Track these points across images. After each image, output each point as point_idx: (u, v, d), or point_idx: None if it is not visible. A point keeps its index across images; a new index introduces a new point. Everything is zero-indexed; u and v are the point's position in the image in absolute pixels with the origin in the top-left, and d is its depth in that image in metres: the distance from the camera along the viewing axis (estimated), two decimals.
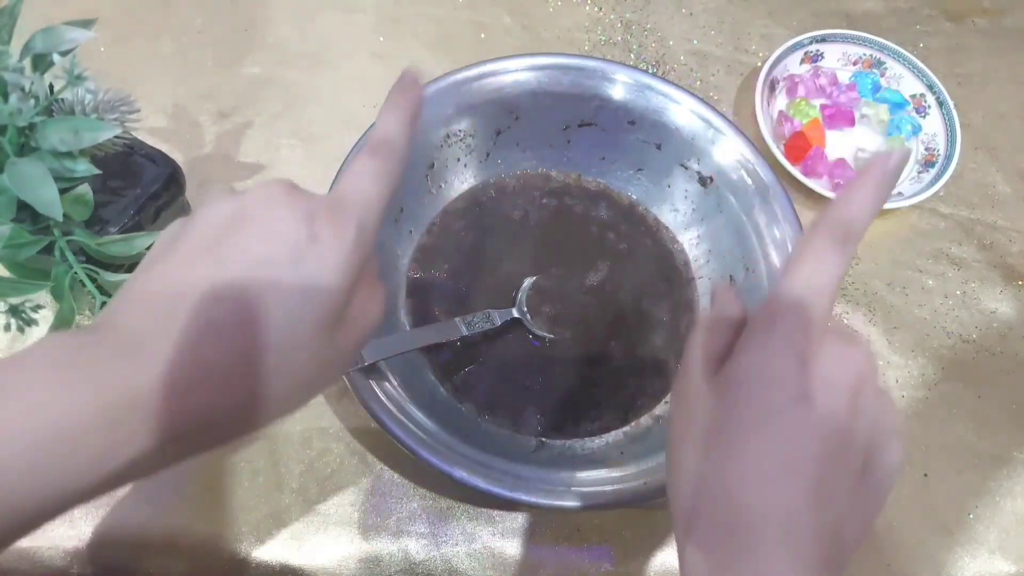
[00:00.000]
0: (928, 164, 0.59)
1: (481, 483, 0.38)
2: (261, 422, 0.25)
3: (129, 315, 0.23)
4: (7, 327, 0.37)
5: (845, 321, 0.54)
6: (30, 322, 0.37)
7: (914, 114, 0.62)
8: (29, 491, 0.20)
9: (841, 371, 0.26)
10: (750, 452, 0.25)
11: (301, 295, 0.24)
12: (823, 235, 0.26)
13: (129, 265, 0.41)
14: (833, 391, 0.25)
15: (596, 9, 0.66)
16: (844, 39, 0.63)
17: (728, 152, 0.50)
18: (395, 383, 0.42)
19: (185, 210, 0.46)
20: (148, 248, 0.39)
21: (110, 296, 0.39)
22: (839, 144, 0.61)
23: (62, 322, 0.39)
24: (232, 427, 0.24)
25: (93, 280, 0.38)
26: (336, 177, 0.43)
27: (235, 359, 0.23)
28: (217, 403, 0.23)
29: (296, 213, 0.25)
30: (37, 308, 0.38)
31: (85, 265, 0.38)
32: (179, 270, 0.24)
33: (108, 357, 0.22)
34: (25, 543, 0.34)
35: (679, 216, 0.53)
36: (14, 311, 0.37)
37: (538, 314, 0.49)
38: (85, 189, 0.35)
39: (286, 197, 0.25)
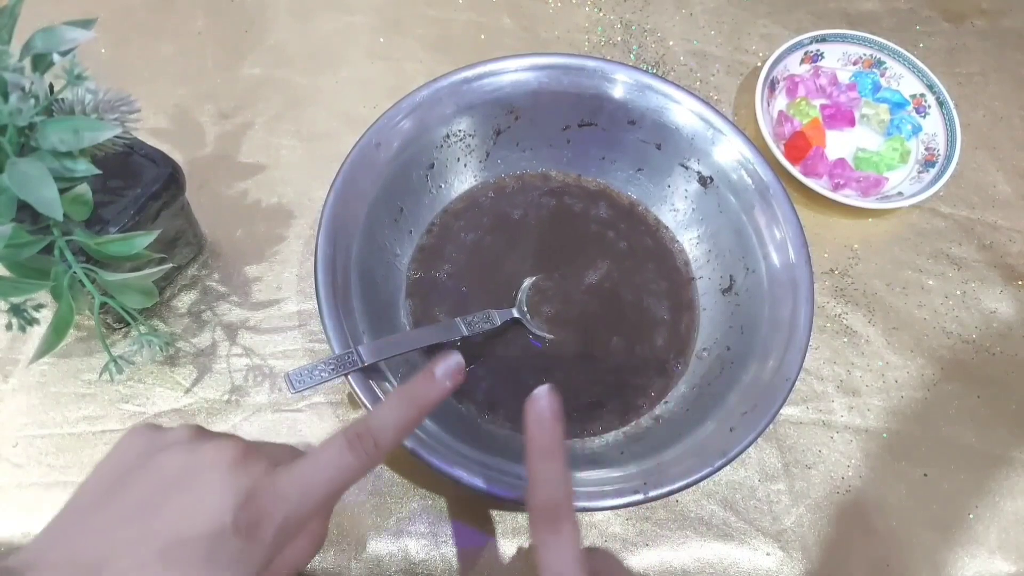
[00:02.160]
0: (928, 164, 0.59)
1: (481, 483, 0.38)
2: None
3: (54, 571, 0.24)
4: (9, 326, 0.37)
5: (844, 322, 0.54)
6: (32, 321, 0.37)
7: (914, 114, 0.62)
8: None
9: None
10: None
11: None
12: (541, 531, 0.29)
13: (130, 267, 0.41)
14: None
15: (596, 10, 0.66)
16: (844, 39, 0.63)
17: (728, 152, 0.50)
18: (395, 383, 0.42)
19: (185, 210, 0.46)
20: (147, 248, 0.39)
21: (108, 296, 0.39)
22: (839, 144, 0.61)
23: (61, 322, 0.39)
24: None
25: (92, 280, 0.38)
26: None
27: None
28: None
29: (232, 495, 0.25)
30: (39, 307, 0.38)
31: (84, 265, 0.38)
32: (111, 531, 0.25)
33: None
34: (25, 542, 0.34)
35: (679, 216, 0.53)
36: (16, 310, 0.37)
37: (538, 314, 0.49)
38: (84, 189, 0.35)
39: (231, 468, 0.26)
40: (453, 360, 0.31)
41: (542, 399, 0.30)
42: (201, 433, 0.28)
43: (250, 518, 0.25)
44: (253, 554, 0.25)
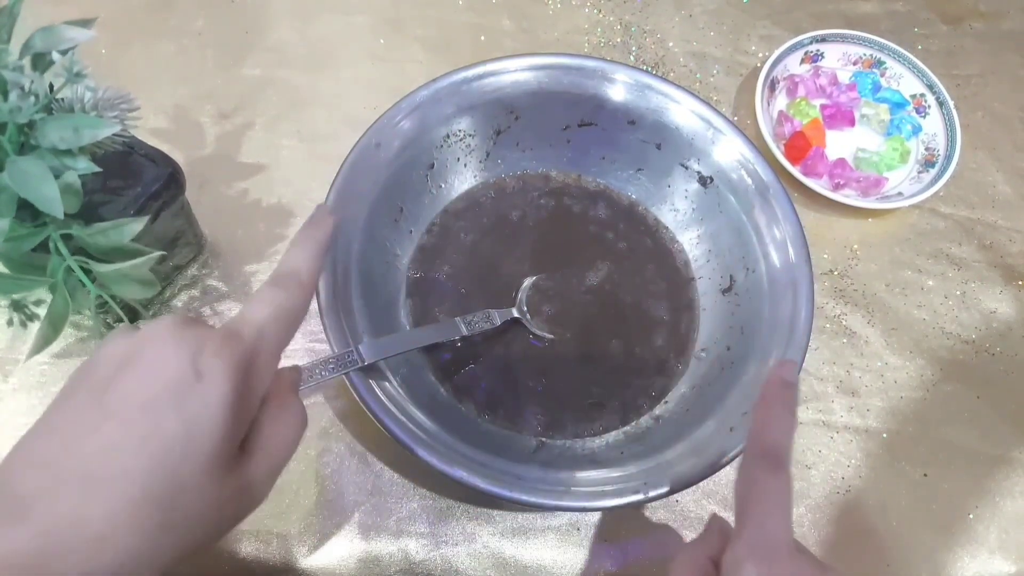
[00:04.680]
0: (928, 164, 0.59)
1: (481, 483, 0.38)
2: (156, 568, 0.24)
3: (17, 477, 0.24)
4: (10, 322, 0.37)
5: (844, 323, 0.54)
6: (32, 317, 0.37)
7: (914, 114, 0.62)
8: None
9: None
10: None
11: (183, 438, 0.24)
12: (760, 468, 0.29)
13: (125, 255, 0.41)
14: None
15: (595, 11, 0.66)
16: (844, 39, 0.63)
17: (728, 152, 0.50)
18: (395, 383, 0.42)
19: (185, 210, 0.46)
20: (145, 244, 0.39)
21: (104, 288, 0.39)
22: (839, 144, 0.61)
23: (56, 316, 0.39)
24: None
25: (87, 272, 0.38)
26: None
27: (117, 515, 0.23)
28: (98, 561, 0.23)
29: (181, 351, 0.25)
30: (39, 303, 0.38)
31: (78, 258, 0.38)
32: (67, 423, 0.24)
33: None
34: None
35: (679, 216, 0.53)
36: (17, 306, 0.37)
37: (538, 314, 0.49)
38: (73, 177, 0.35)
39: (173, 334, 0.26)
40: (318, 209, 0.33)
41: (788, 367, 0.33)
42: (135, 328, 0.28)
43: (207, 361, 0.25)
44: (221, 391, 0.25)
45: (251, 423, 0.27)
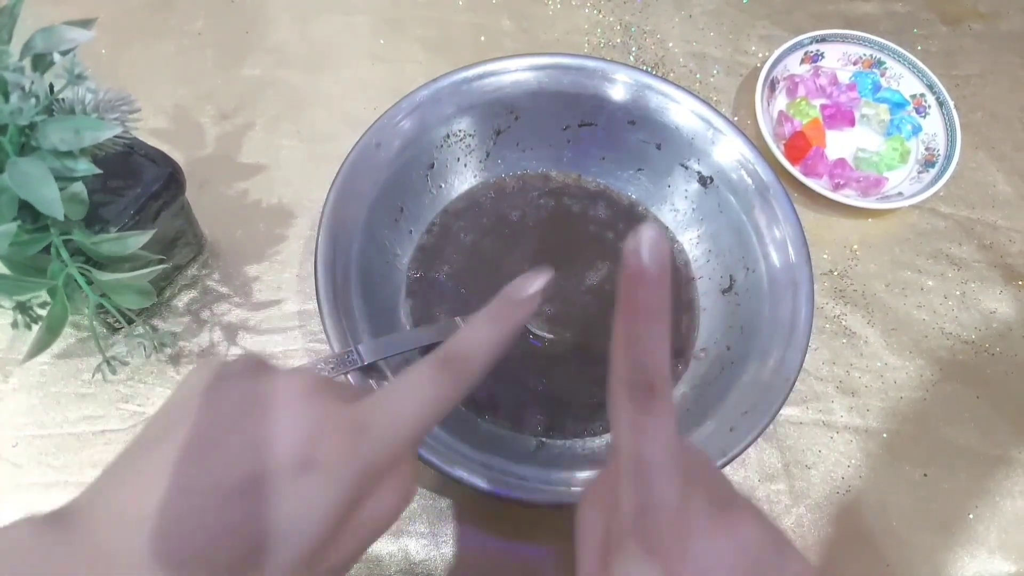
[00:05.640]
0: (928, 164, 0.59)
1: (481, 483, 0.38)
2: None
3: (103, 522, 0.21)
4: (14, 324, 0.37)
5: (844, 323, 0.54)
6: (36, 319, 0.37)
7: (914, 114, 0.62)
8: None
9: (722, 570, 0.21)
10: None
11: (274, 536, 0.21)
12: (625, 397, 0.22)
13: (129, 267, 0.41)
14: None
15: (595, 12, 0.66)
16: (844, 39, 0.63)
17: (728, 152, 0.50)
18: None
19: (185, 210, 0.46)
20: (146, 248, 0.39)
21: (104, 296, 0.39)
22: (839, 144, 0.61)
23: (55, 320, 0.39)
24: None
25: (88, 279, 0.38)
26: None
27: None
28: None
29: (302, 427, 0.22)
30: (44, 305, 0.38)
31: (82, 265, 0.38)
32: (164, 475, 0.21)
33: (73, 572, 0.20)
34: None
35: (679, 216, 0.53)
36: (21, 308, 0.37)
37: (538, 314, 0.49)
38: (80, 188, 0.35)
39: (301, 402, 0.22)
40: (542, 276, 0.27)
41: (645, 239, 0.21)
42: (266, 364, 0.24)
43: (328, 453, 0.22)
44: (331, 495, 0.22)
45: None
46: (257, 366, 0.24)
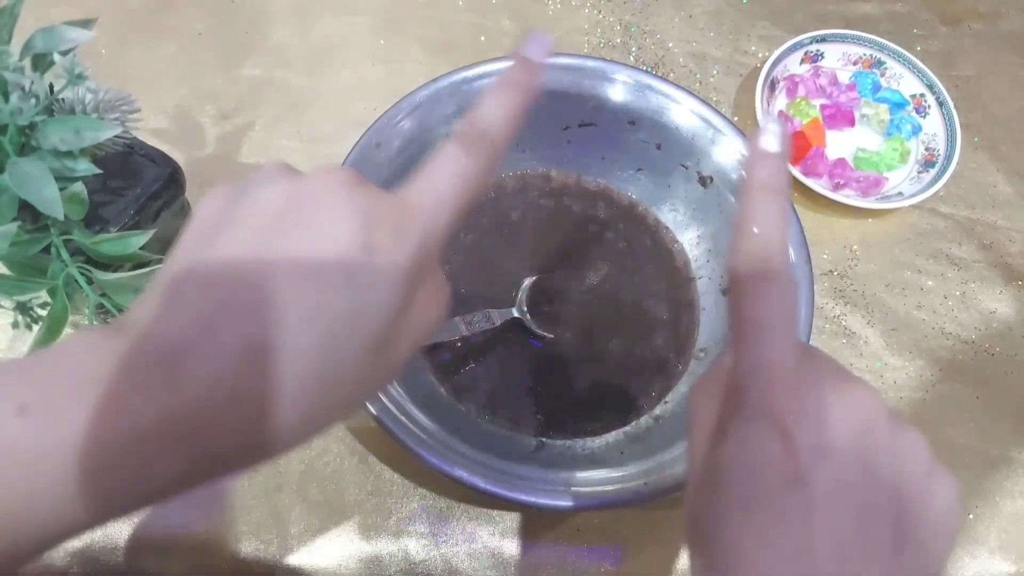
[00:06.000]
0: (928, 164, 0.59)
1: (481, 483, 0.38)
2: (288, 447, 0.22)
3: (167, 321, 0.20)
4: (15, 324, 0.37)
5: (843, 323, 0.54)
6: (37, 319, 0.37)
7: (914, 114, 0.62)
8: (44, 519, 0.19)
9: (836, 428, 0.22)
10: (748, 556, 0.22)
11: (352, 317, 0.21)
12: (747, 274, 0.24)
13: (130, 267, 0.41)
14: (830, 457, 0.22)
15: (595, 12, 0.66)
16: (844, 39, 0.63)
17: (728, 152, 0.50)
18: (395, 383, 0.42)
19: (185, 210, 0.46)
20: (146, 249, 0.39)
21: (105, 296, 0.39)
22: (839, 144, 0.61)
23: (54, 321, 0.39)
24: (259, 454, 0.22)
25: (88, 279, 0.38)
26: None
27: (279, 391, 0.21)
28: (253, 437, 0.21)
29: (355, 214, 0.22)
30: (44, 305, 0.38)
31: (82, 265, 0.38)
32: (222, 272, 0.21)
33: (143, 372, 0.20)
34: None
35: (679, 216, 0.53)
36: (22, 308, 0.37)
37: (538, 314, 0.49)
38: (80, 188, 0.35)
39: (347, 192, 0.22)
40: (544, 37, 0.26)
41: (771, 127, 0.24)
42: (292, 168, 0.24)
43: (385, 236, 0.22)
44: (397, 276, 0.22)
45: None
46: (284, 169, 0.24)
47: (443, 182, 0.24)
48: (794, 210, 0.48)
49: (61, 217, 0.33)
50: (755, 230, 0.24)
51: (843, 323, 0.54)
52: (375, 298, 0.22)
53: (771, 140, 0.25)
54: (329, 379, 0.21)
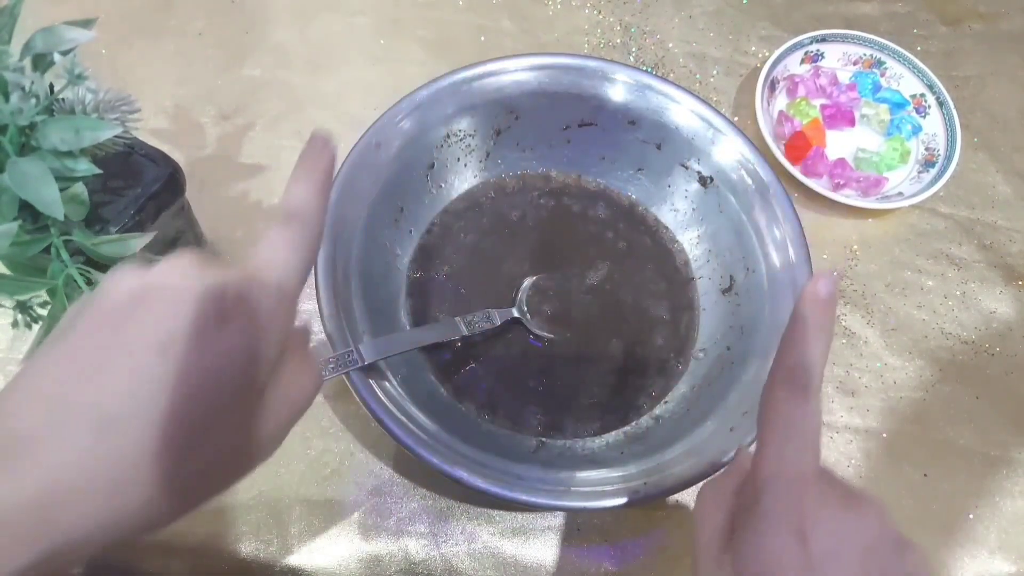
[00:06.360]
0: (928, 164, 0.59)
1: (481, 483, 0.38)
2: (162, 520, 0.23)
3: (16, 413, 0.21)
4: (15, 324, 0.37)
5: (843, 323, 0.54)
6: (37, 319, 0.37)
7: (914, 114, 0.62)
8: None
9: (847, 539, 0.24)
10: None
11: (205, 385, 0.22)
12: (785, 390, 0.26)
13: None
14: (840, 564, 0.24)
15: (595, 12, 0.66)
16: (844, 39, 0.63)
17: (728, 152, 0.50)
18: (395, 383, 0.42)
19: (185, 210, 0.46)
20: (147, 249, 0.39)
21: None
22: (839, 144, 0.61)
23: (54, 321, 0.39)
24: (125, 529, 0.22)
25: (88, 280, 0.38)
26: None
27: (132, 460, 0.21)
28: (109, 510, 0.21)
29: (205, 289, 0.23)
30: (45, 304, 0.38)
31: (82, 266, 0.38)
32: (77, 358, 0.22)
33: None
34: None
35: (679, 216, 0.53)
36: (22, 307, 0.37)
37: (538, 314, 0.49)
38: (80, 188, 0.35)
39: (194, 271, 0.23)
40: (328, 139, 0.29)
41: (826, 277, 0.27)
42: (143, 268, 0.25)
43: (231, 305, 0.23)
44: (247, 343, 0.23)
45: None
46: (140, 262, 0.25)
47: (277, 254, 0.26)
48: (794, 210, 0.48)
49: (61, 217, 0.33)
50: (797, 359, 0.27)
51: (843, 323, 0.54)
52: (230, 364, 0.23)
53: (826, 286, 0.27)
54: (185, 448, 0.22)
